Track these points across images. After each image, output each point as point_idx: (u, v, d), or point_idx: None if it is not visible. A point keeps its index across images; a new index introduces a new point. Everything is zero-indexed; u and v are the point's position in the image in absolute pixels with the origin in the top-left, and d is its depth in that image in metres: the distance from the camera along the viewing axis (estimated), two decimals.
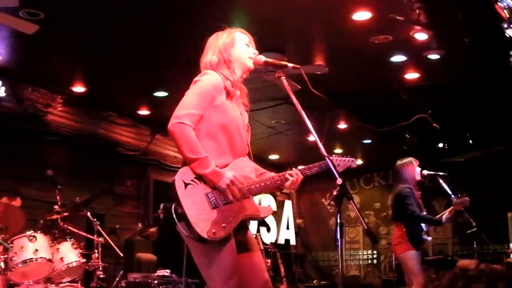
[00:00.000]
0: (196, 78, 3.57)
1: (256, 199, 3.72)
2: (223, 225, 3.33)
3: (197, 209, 3.28)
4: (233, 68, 3.69)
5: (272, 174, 3.69)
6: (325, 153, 3.42)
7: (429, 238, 7.25)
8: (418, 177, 7.23)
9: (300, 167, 3.72)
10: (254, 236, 4.27)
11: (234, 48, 3.72)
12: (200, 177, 3.34)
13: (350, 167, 3.98)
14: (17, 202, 7.10)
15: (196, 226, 3.24)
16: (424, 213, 7.16)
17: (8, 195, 7.06)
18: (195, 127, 3.39)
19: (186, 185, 3.31)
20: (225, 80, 3.60)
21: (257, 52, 3.80)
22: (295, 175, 3.64)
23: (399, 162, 7.38)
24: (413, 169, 7.23)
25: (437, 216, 7.18)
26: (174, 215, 3.29)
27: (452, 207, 6.97)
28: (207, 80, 3.53)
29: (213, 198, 3.35)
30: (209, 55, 3.70)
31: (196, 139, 3.34)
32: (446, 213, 6.99)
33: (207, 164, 3.32)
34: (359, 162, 14.74)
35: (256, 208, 3.61)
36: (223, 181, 3.34)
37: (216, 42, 3.74)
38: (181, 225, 3.29)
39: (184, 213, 3.24)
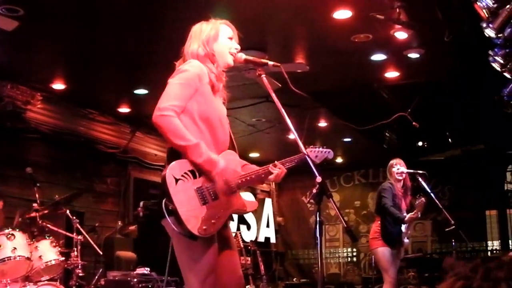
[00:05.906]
0: (180, 67, 3.55)
1: None
2: (213, 221, 3.34)
3: (188, 205, 3.28)
4: (216, 61, 3.67)
5: (255, 166, 3.71)
6: (305, 152, 3.46)
7: (407, 241, 7.45)
8: (399, 177, 7.41)
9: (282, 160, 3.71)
10: (234, 234, 4.26)
11: (217, 42, 3.69)
12: (191, 171, 3.33)
13: (327, 158, 4.05)
14: None
15: (187, 223, 3.24)
16: (405, 214, 7.30)
17: None
18: (178, 117, 3.36)
19: (176, 180, 3.29)
20: (210, 73, 3.58)
21: (239, 47, 3.79)
22: (278, 168, 3.64)
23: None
24: (391, 170, 7.55)
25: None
26: (164, 211, 3.26)
27: (415, 210, 7.16)
28: (191, 70, 3.50)
29: (203, 194, 3.34)
30: (194, 46, 3.66)
31: (182, 126, 3.33)
32: (411, 214, 7.18)
33: (200, 150, 3.32)
34: (339, 160, 14.81)
35: (243, 202, 3.63)
36: (216, 169, 3.35)
37: (200, 34, 3.69)
38: (171, 220, 3.26)
39: (176, 210, 3.23)
